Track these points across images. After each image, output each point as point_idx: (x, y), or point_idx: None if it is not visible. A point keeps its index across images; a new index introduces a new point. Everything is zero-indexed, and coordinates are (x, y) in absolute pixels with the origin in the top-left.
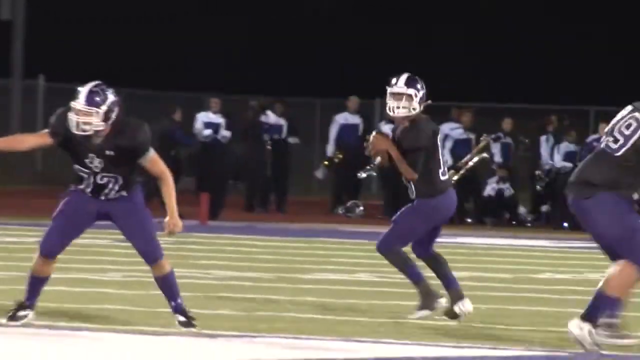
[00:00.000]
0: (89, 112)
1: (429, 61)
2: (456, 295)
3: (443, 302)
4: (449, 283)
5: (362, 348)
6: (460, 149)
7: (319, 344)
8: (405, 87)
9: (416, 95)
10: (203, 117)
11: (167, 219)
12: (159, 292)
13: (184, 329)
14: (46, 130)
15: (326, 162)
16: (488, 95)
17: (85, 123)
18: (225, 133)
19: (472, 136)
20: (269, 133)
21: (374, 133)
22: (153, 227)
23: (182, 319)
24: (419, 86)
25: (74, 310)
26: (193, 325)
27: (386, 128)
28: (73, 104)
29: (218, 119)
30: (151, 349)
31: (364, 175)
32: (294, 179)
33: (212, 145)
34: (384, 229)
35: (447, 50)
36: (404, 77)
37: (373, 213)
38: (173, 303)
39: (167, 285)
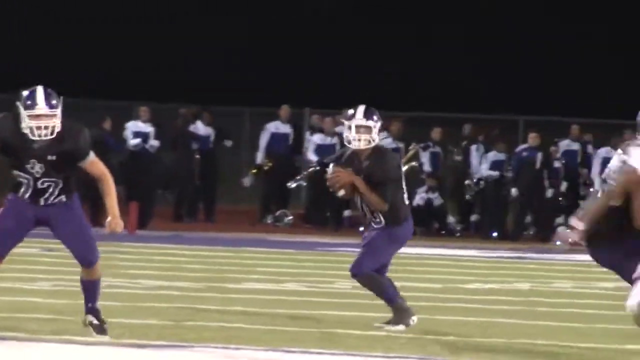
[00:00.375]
0: (52, 115)
1: (429, 61)
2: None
3: (416, 319)
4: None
5: (290, 358)
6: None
7: (247, 353)
8: (365, 119)
9: (375, 127)
10: (132, 126)
11: (109, 218)
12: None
13: (95, 334)
14: None
15: (254, 170)
16: (418, 104)
17: (46, 127)
18: (153, 142)
19: (402, 145)
20: (197, 142)
21: (332, 167)
22: (91, 231)
23: (95, 321)
24: (375, 117)
25: (1, 319)
26: (105, 331)
27: (316, 138)
28: (32, 110)
29: (147, 127)
30: (80, 359)
31: (293, 185)
32: (222, 189)
33: (141, 155)
34: (312, 239)
35: (447, 50)
36: (361, 109)
37: (301, 222)
38: (90, 305)
39: (93, 289)
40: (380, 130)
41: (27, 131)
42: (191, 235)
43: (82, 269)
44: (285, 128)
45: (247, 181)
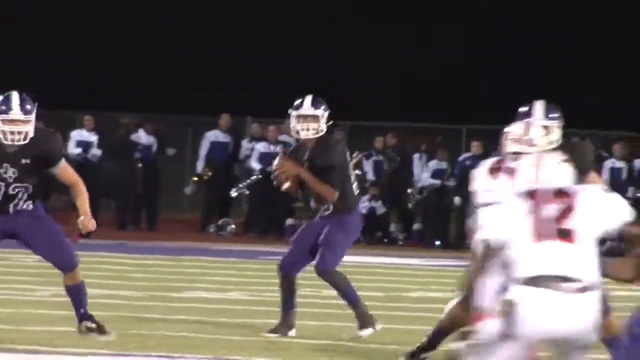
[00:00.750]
0: (26, 121)
1: (429, 62)
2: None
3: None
4: (291, 306)
5: None
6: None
7: None
8: (313, 109)
9: (323, 116)
10: (76, 135)
11: (81, 218)
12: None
13: (99, 338)
14: None
15: (195, 178)
16: (362, 113)
17: (20, 132)
18: (96, 151)
19: (280, 149)
20: (140, 152)
21: (278, 159)
22: (63, 236)
23: (92, 325)
24: (323, 107)
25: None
26: (106, 331)
27: (259, 147)
28: (7, 115)
29: (91, 136)
30: None
31: (235, 193)
32: (166, 197)
33: (83, 164)
34: (255, 247)
35: (447, 50)
36: (309, 98)
37: (244, 231)
38: (82, 310)
39: (79, 293)
40: (326, 122)
41: (0, 135)
42: (134, 244)
43: (64, 276)
44: (224, 137)
45: (188, 190)
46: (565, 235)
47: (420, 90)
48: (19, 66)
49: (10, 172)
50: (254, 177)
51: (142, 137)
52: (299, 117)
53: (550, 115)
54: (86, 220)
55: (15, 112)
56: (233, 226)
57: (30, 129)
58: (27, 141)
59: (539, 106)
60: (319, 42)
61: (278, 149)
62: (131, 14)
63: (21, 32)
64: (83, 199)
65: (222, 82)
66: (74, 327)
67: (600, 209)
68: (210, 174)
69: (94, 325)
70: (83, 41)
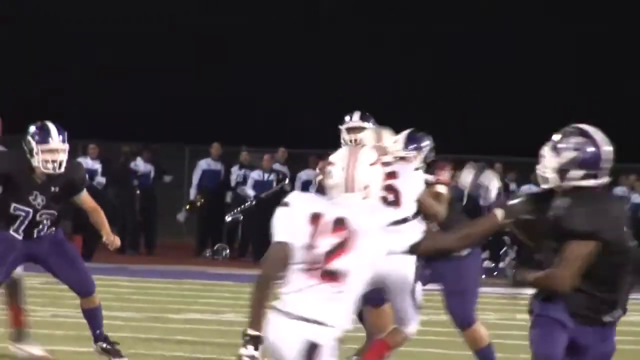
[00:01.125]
0: (64, 150)
1: (429, 62)
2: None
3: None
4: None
5: None
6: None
7: None
8: (360, 122)
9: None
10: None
11: (105, 237)
12: None
13: (107, 356)
14: None
15: (188, 206)
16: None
17: (55, 161)
18: (100, 179)
19: (273, 177)
20: (138, 179)
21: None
22: (83, 262)
23: (108, 346)
24: (372, 121)
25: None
26: (119, 353)
27: (254, 174)
28: (47, 144)
29: (95, 165)
30: None
31: (229, 218)
32: (163, 223)
33: (88, 191)
34: (250, 271)
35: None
36: (357, 113)
37: (239, 255)
38: (98, 332)
39: (96, 316)
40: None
41: (39, 164)
42: (134, 268)
43: (81, 300)
44: (216, 165)
45: (181, 217)
46: (330, 275)
47: None
48: (23, 101)
49: (40, 200)
50: (247, 203)
51: (140, 165)
52: (348, 129)
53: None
54: (110, 238)
55: (55, 141)
56: (228, 251)
57: (65, 157)
58: (62, 169)
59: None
60: (254, 90)
61: (272, 177)
62: (130, 52)
63: (26, 66)
64: (104, 222)
65: (214, 112)
66: (72, 347)
67: (379, 245)
68: (202, 200)
69: (108, 347)
70: (85, 72)
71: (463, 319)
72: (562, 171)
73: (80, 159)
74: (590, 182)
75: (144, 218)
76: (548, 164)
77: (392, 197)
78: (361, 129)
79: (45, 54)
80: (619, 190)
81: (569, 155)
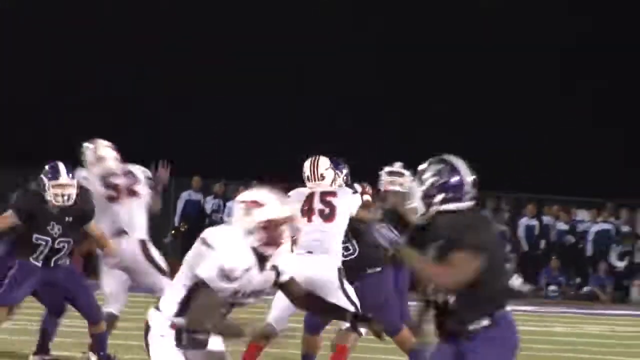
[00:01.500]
0: (72, 185)
1: (428, 63)
2: None
3: None
4: None
5: None
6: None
7: None
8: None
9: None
10: None
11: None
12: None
13: None
14: (10, 212)
15: (173, 232)
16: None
17: (65, 194)
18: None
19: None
20: None
21: None
22: (93, 292)
23: None
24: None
25: None
26: None
27: (230, 204)
28: (57, 180)
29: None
30: None
31: (168, 239)
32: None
33: None
34: None
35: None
36: (398, 163)
37: None
38: (102, 353)
39: (102, 340)
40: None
41: (50, 198)
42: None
43: (89, 325)
44: (197, 196)
45: (167, 240)
46: None
47: None
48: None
49: (57, 229)
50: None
51: None
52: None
53: None
54: (111, 250)
55: (64, 177)
56: None
57: (74, 191)
58: (71, 202)
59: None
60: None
61: None
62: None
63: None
64: (109, 243)
65: (194, 149)
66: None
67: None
68: (186, 227)
69: None
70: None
71: (391, 328)
72: (427, 197)
73: None
74: (458, 205)
75: None
76: (415, 194)
77: (328, 210)
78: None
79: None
80: (546, 219)
81: (431, 180)
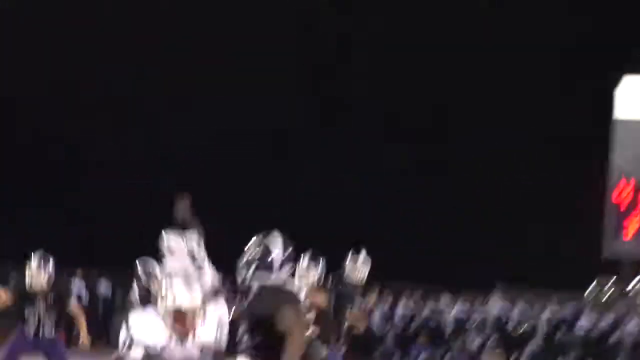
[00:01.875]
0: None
1: (429, 64)
2: None
3: None
4: None
5: None
6: None
7: None
8: None
9: None
10: None
11: (82, 337)
12: None
13: None
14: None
15: None
16: None
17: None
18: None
19: None
20: None
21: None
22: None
23: None
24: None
25: None
26: None
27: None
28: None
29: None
30: None
31: None
32: None
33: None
34: None
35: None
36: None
37: None
38: None
39: None
40: None
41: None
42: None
43: None
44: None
45: None
46: None
47: None
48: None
49: (41, 307)
50: None
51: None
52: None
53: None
54: (86, 341)
55: (35, 270)
56: None
57: (46, 278)
58: (48, 287)
59: None
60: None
61: None
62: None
63: None
64: (84, 325)
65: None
66: None
67: None
68: None
69: None
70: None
71: None
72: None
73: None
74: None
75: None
76: None
77: None
78: None
79: None
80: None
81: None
